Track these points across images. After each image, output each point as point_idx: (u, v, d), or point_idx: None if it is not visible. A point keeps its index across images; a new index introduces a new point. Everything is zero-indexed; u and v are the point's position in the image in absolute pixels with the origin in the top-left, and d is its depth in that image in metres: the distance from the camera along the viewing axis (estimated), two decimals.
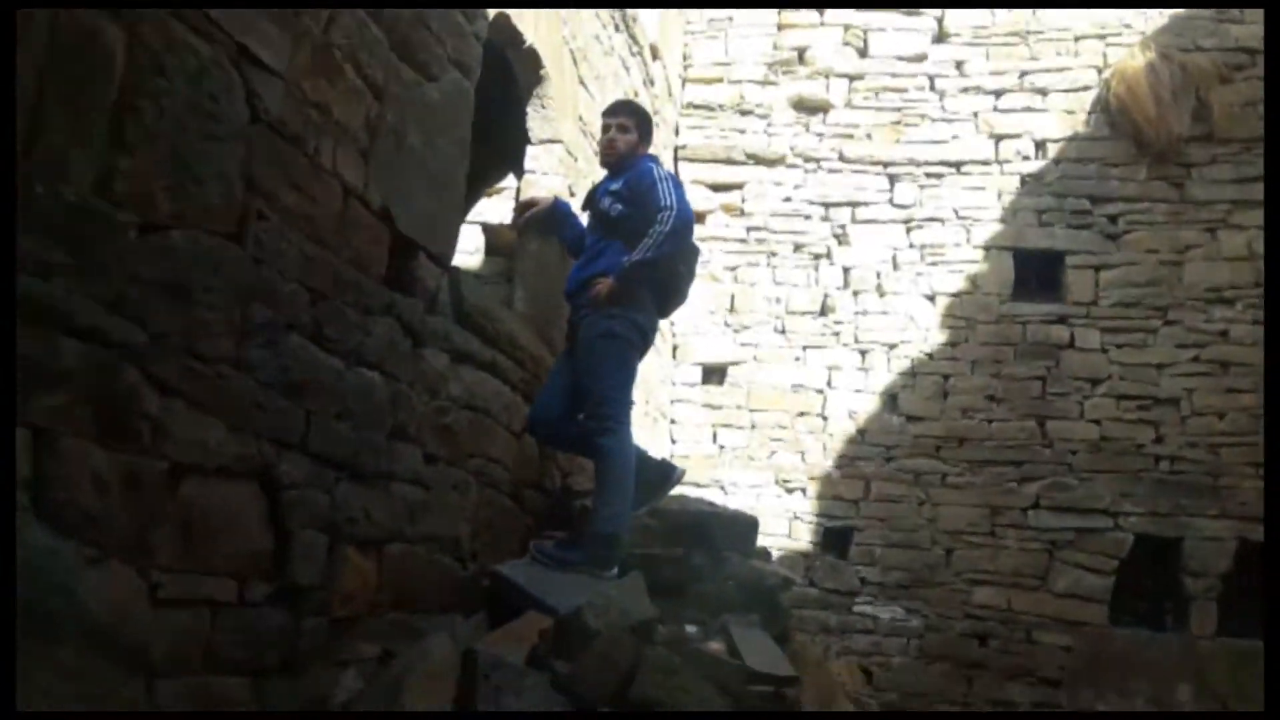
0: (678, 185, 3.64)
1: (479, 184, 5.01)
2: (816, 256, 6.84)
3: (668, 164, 6.84)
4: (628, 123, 3.73)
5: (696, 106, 7.13)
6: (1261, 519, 5.79)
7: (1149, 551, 5.95)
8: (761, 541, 6.19)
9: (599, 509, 3.36)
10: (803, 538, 6.35)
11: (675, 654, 2.74)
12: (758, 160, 7.00)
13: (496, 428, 3.59)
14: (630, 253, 3.50)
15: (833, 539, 6.37)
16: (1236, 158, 6.38)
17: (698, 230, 6.92)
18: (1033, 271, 6.55)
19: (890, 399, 6.49)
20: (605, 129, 3.79)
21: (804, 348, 6.68)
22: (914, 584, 6.13)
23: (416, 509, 3.03)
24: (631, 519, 3.46)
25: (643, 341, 3.60)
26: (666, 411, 6.59)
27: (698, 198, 6.97)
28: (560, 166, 4.59)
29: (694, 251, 3.87)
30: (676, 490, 3.93)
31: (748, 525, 3.93)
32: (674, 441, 6.62)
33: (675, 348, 6.78)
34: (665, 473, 3.69)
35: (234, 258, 2.28)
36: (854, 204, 6.86)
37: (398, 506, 2.93)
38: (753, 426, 6.60)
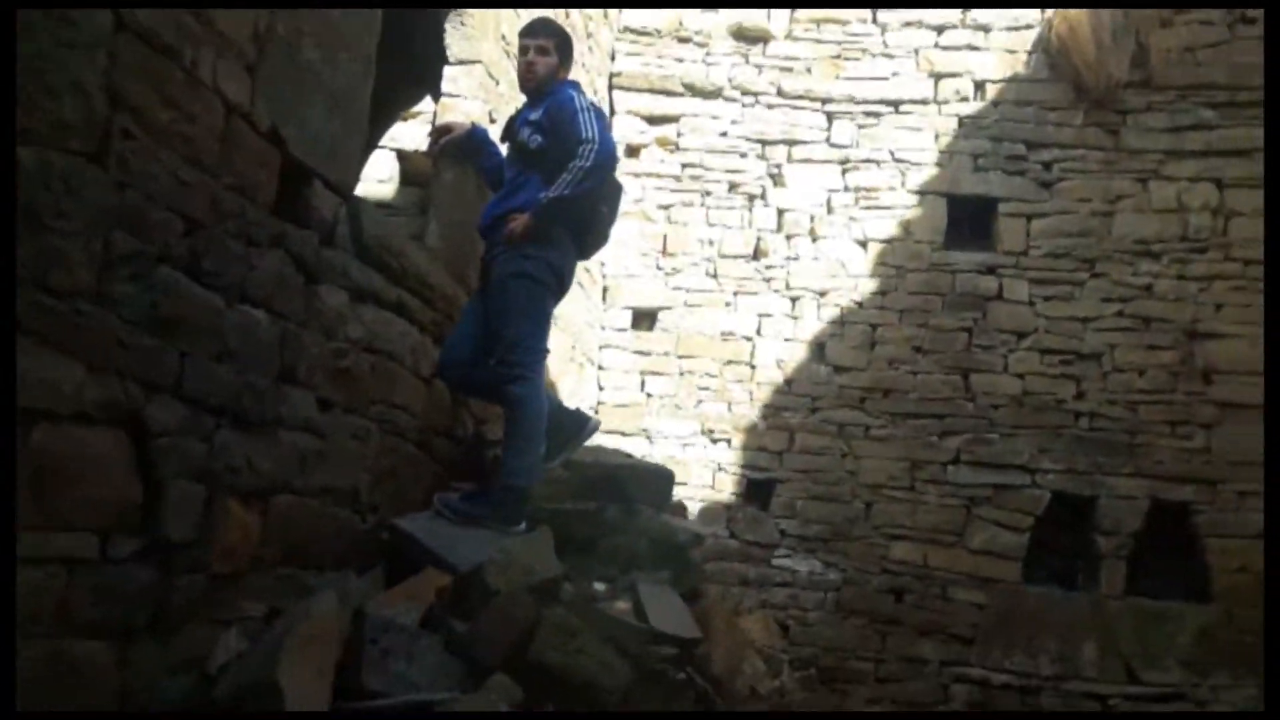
0: (600, 117, 3.42)
1: (393, 106, 4.71)
2: (751, 197, 6.67)
3: (602, 92, 6.57)
4: (547, 44, 3.48)
5: (634, 31, 6.83)
6: (1176, 478, 5.88)
7: (1065, 509, 5.98)
8: (685, 493, 6.19)
9: (508, 461, 3.20)
10: (726, 489, 6.28)
11: (577, 614, 2.62)
12: (695, 91, 6.76)
13: (402, 371, 3.39)
14: (548, 188, 3.29)
15: (755, 490, 6.30)
16: (1172, 105, 6.30)
17: (632, 165, 6.74)
18: (966, 218, 6.46)
19: (818, 348, 6.40)
20: (523, 50, 3.54)
21: (735, 293, 6.54)
22: (833, 537, 6.11)
23: (309, 458, 2.83)
24: (543, 471, 3.32)
25: (558, 284, 3.41)
26: (594, 357, 6.42)
27: (632, 130, 6.75)
28: (480, 90, 4.32)
29: (617, 189, 3.66)
30: (594, 440, 3.79)
31: (663, 478, 3.81)
32: (601, 388, 6.46)
33: (605, 290, 6.59)
34: (580, 423, 3.54)
35: (94, 180, 2.04)
36: (791, 142, 6.69)
37: (287, 455, 2.73)
38: (681, 374, 6.46)
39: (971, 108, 6.58)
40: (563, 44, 3.52)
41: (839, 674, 5.87)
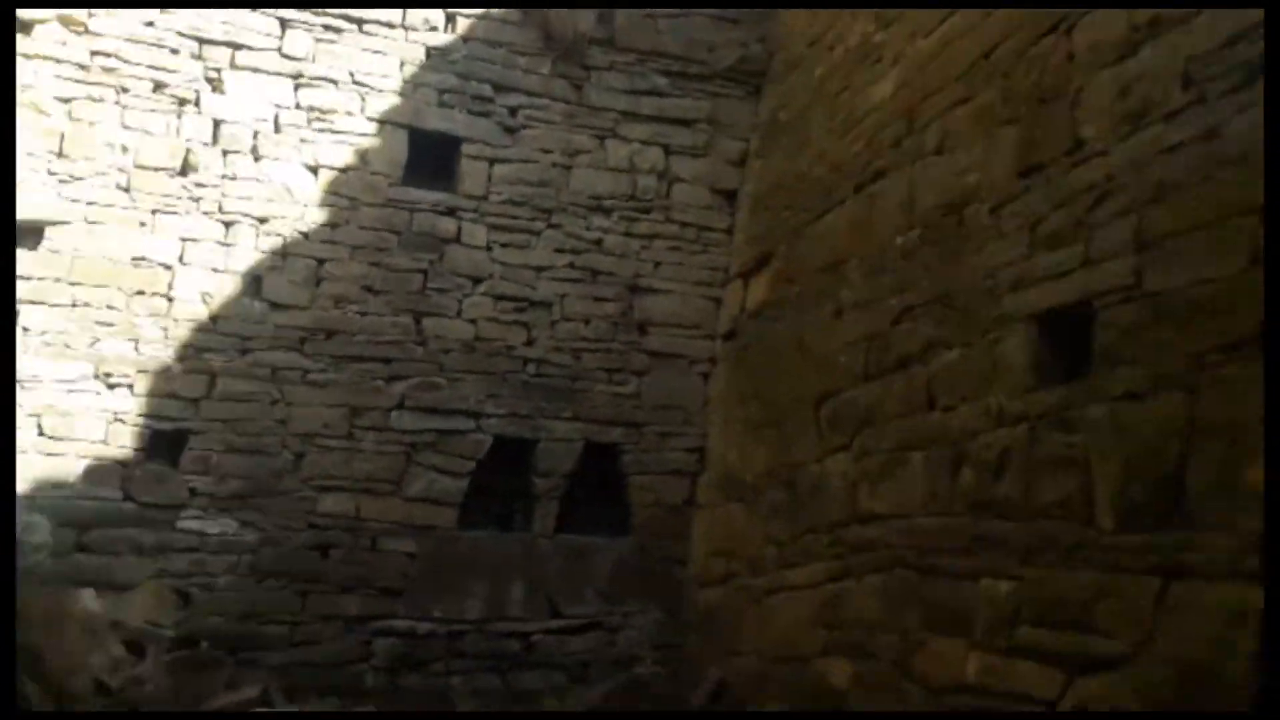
0: None
1: None
2: (182, 101, 5.67)
3: None
4: None
5: None
6: (608, 421, 6.16)
7: (508, 453, 5.97)
8: (70, 449, 5.13)
9: None
10: (124, 443, 5.30)
11: None
12: None
13: None
14: None
15: (162, 445, 5.40)
16: (631, 68, 6.49)
17: (24, 44, 5.36)
18: (428, 155, 6.10)
19: (254, 282, 5.64)
20: None
21: (153, 211, 5.51)
22: (254, 493, 5.46)
23: None
24: None
25: None
26: None
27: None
28: None
29: None
30: None
31: None
32: None
33: None
34: None
35: None
36: (235, 46, 5.79)
37: None
38: (74, 305, 5.30)
39: (441, 39, 6.22)
40: None
41: (249, 642, 5.29)
